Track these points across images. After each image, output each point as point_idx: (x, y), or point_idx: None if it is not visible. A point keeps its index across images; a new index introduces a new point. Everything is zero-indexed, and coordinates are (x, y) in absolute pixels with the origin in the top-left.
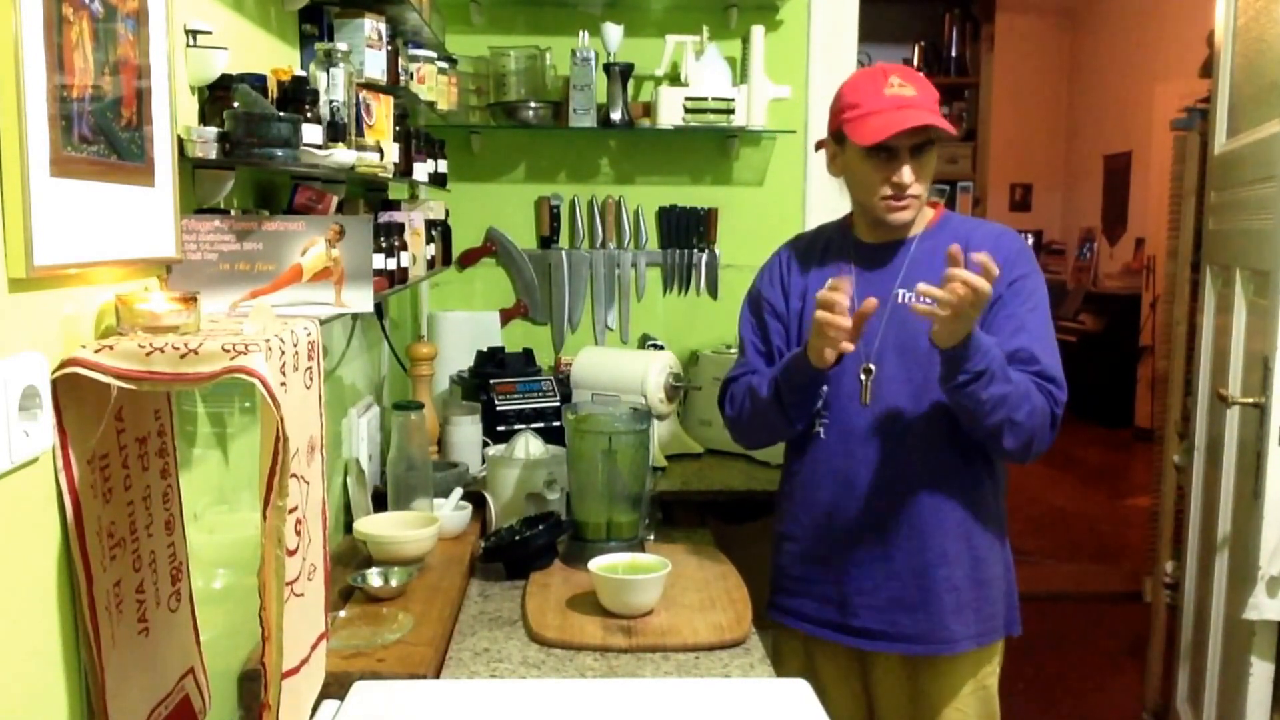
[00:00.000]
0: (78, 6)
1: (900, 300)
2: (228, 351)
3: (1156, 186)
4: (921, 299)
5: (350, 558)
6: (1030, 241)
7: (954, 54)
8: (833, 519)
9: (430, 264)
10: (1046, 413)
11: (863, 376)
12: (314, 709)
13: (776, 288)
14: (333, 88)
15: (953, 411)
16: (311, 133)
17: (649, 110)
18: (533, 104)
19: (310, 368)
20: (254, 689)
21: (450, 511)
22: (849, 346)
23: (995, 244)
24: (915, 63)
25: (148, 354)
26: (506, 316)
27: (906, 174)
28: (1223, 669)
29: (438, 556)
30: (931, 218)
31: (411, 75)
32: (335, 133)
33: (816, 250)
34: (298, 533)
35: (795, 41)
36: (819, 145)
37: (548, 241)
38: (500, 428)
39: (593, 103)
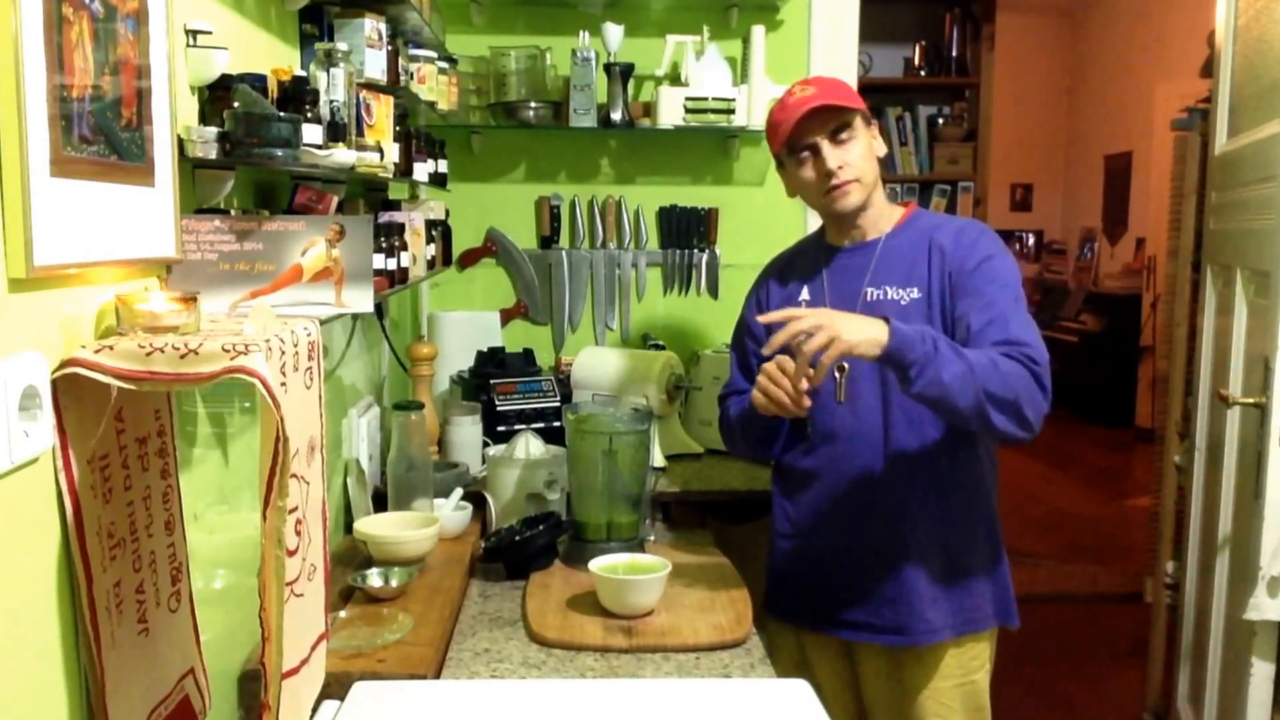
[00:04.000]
0: (78, 6)
1: (869, 299)
2: (228, 351)
3: (1157, 186)
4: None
5: (350, 558)
6: (1031, 241)
7: (954, 54)
8: (817, 515)
9: (430, 264)
10: (1025, 375)
11: (837, 374)
12: (314, 709)
13: (754, 311)
14: (333, 88)
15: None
16: (311, 133)
17: (649, 110)
18: (533, 104)
19: (310, 368)
20: (254, 689)
21: (450, 512)
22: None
23: (957, 237)
24: (916, 62)
25: (148, 354)
26: (506, 316)
27: (830, 159)
28: (1223, 669)
29: (438, 557)
30: (901, 216)
31: (412, 75)
32: (335, 133)
33: (793, 266)
34: (298, 533)
35: (795, 41)
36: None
37: (548, 241)
38: (500, 428)
39: (593, 103)
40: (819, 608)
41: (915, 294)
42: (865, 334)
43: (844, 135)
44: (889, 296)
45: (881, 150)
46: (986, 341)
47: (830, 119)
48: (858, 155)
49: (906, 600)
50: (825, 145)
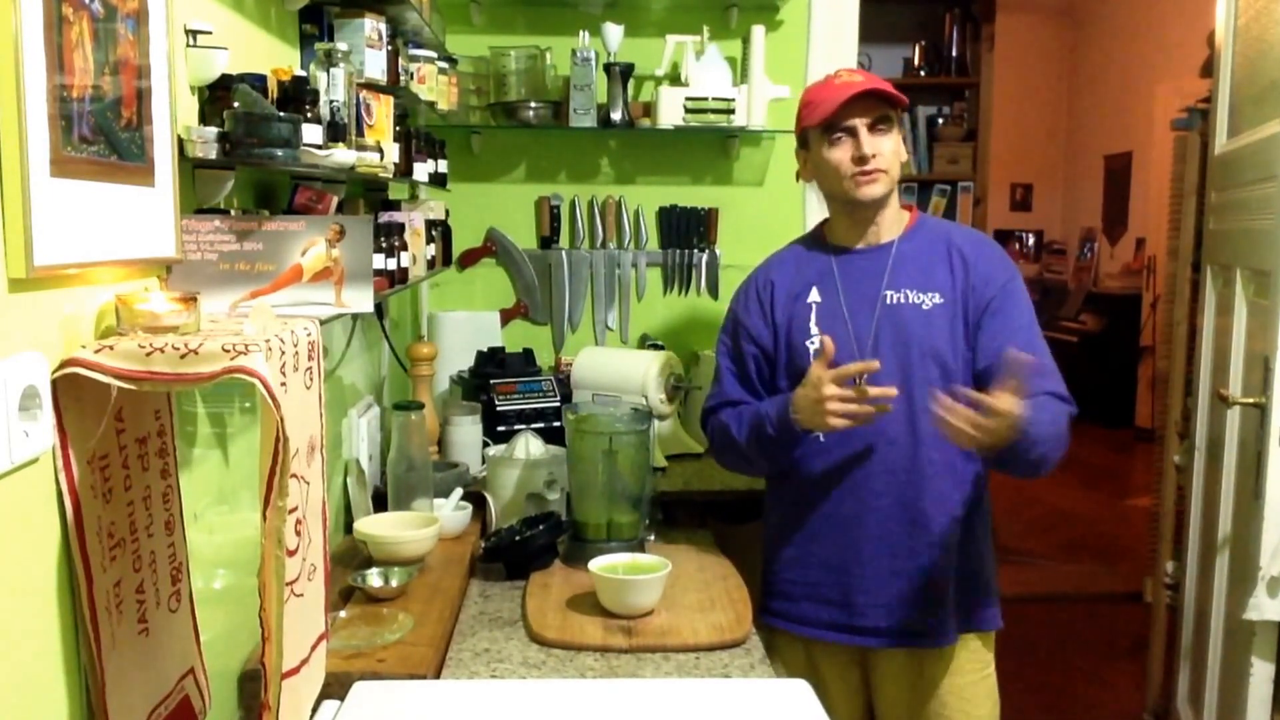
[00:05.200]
0: (78, 6)
1: (889, 302)
2: (228, 351)
3: (1157, 186)
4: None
5: (350, 558)
6: (1031, 241)
7: (954, 54)
8: (834, 520)
9: (430, 264)
10: (1065, 423)
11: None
12: (314, 709)
13: (755, 314)
14: (333, 88)
15: None
16: (311, 133)
17: (649, 110)
18: (533, 104)
19: (310, 368)
20: (254, 689)
21: (450, 511)
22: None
23: (977, 251)
24: (916, 63)
25: (148, 354)
26: (506, 316)
27: (866, 145)
28: (1223, 669)
29: (438, 556)
30: (908, 221)
31: (412, 75)
32: (335, 133)
33: (797, 267)
34: (298, 533)
35: (795, 41)
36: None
37: (548, 241)
38: (500, 428)
39: (593, 103)
40: (835, 615)
41: (938, 299)
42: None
43: (883, 127)
44: (909, 300)
45: (904, 156)
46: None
47: (874, 107)
48: (890, 150)
49: (931, 604)
50: (864, 130)
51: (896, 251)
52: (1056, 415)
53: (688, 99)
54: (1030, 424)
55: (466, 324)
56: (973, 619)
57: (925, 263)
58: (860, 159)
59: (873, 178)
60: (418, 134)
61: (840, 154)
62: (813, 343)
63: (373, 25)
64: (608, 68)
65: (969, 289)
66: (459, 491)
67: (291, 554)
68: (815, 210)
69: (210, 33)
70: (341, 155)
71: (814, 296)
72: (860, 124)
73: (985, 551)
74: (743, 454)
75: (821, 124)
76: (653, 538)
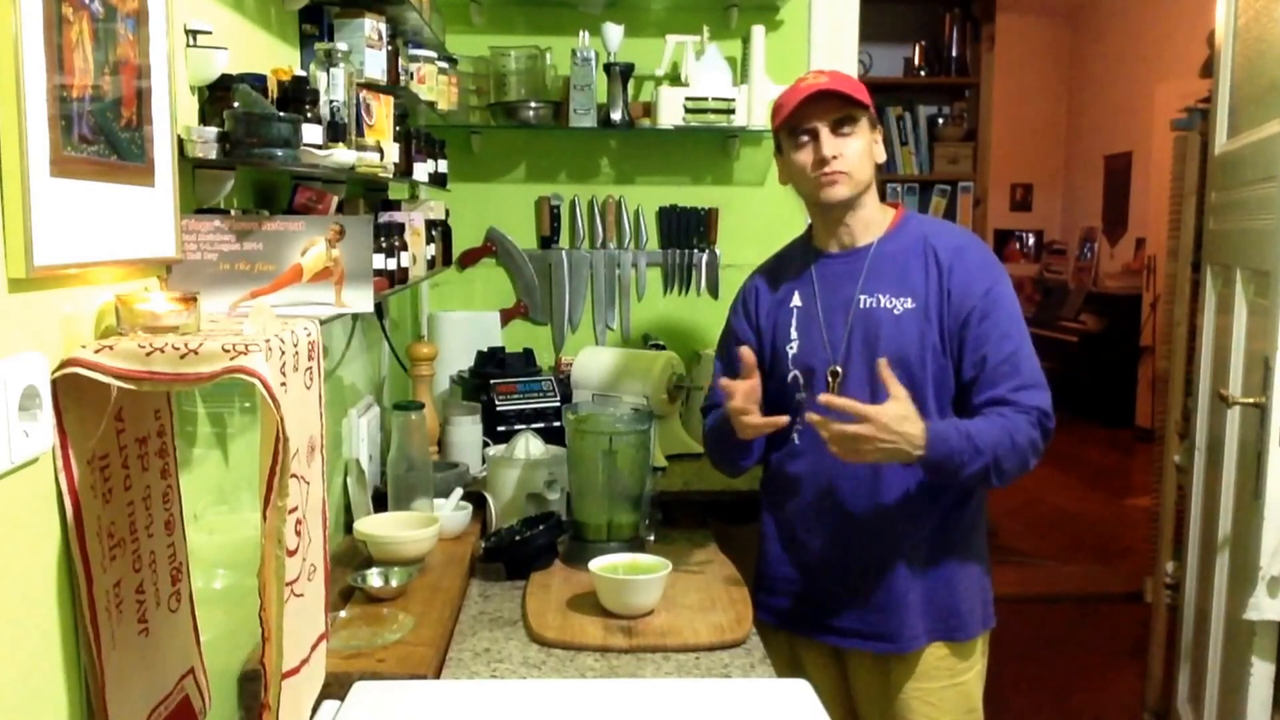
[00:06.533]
0: (78, 6)
1: (862, 306)
2: (228, 351)
3: (1157, 186)
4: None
5: (350, 558)
6: (1031, 241)
7: (954, 54)
8: (807, 521)
9: (430, 264)
10: (1034, 437)
11: (829, 379)
12: (314, 709)
13: (743, 320)
14: (333, 88)
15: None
16: (311, 133)
17: (649, 110)
18: (533, 104)
19: (310, 368)
20: (254, 689)
21: (450, 512)
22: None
23: (956, 258)
24: (916, 63)
25: (148, 354)
26: (506, 316)
27: (827, 146)
28: (1223, 669)
29: (438, 557)
30: (890, 222)
31: (411, 75)
32: (335, 133)
33: (782, 270)
34: (298, 533)
35: (795, 41)
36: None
37: (548, 241)
38: (500, 428)
39: (593, 103)
40: (810, 613)
41: (910, 304)
42: (892, 459)
43: (846, 129)
44: (882, 305)
45: (880, 157)
46: (1000, 379)
47: (835, 108)
48: (855, 150)
49: (896, 608)
50: (825, 132)
51: (873, 255)
52: (1014, 429)
53: (688, 99)
54: (941, 440)
55: (466, 324)
56: (942, 627)
57: (901, 265)
58: (820, 161)
59: (833, 179)
60: (418, 134)
61: (804, 156)
62: (791, 347)
63: (373, 25)
64: (608, 68)
65: (944, 297)
66: (459, 491)
67: (291, 554)
68: None
69: (210, 33)
70: (341, 155)
71: (795, 301)
72: (821, 125)
73: (964, 560)
74: (713, 451)
75: (785, 126)
76: (652, 538)
